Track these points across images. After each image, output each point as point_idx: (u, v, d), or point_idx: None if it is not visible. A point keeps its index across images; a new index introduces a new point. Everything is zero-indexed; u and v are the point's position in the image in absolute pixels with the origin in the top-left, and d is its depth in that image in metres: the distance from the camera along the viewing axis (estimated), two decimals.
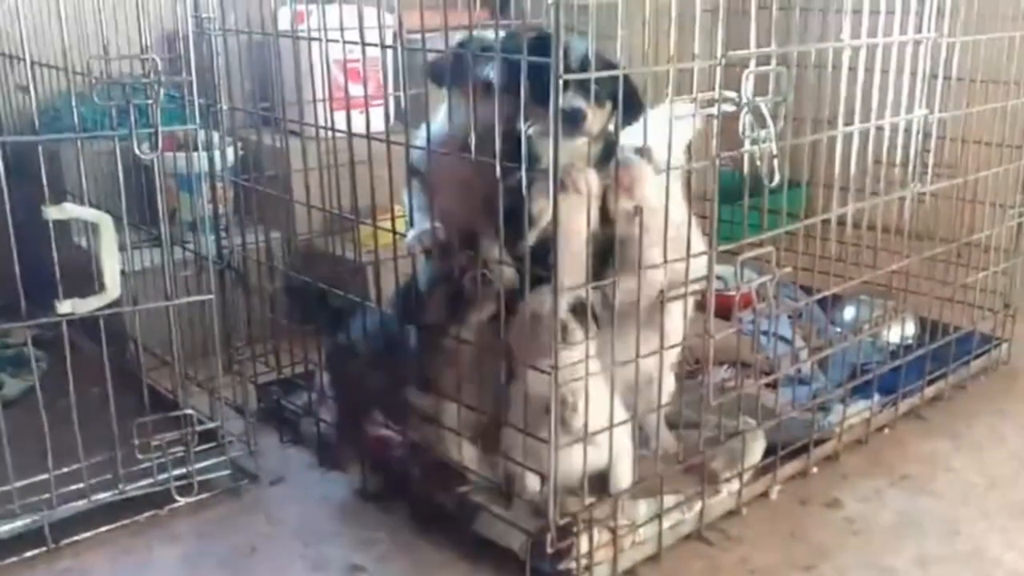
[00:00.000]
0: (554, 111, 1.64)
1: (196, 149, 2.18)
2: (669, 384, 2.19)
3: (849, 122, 2.21)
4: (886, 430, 2.57)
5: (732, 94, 1.87)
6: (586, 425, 1.88)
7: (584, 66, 1.72)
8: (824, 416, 2.44)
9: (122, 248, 2.06)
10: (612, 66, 1.76)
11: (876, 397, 2.53)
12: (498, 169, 1.80)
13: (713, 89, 1.87)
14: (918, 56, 2.32)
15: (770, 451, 2.27)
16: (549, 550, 1.89)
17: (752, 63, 1.87)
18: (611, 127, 1.89)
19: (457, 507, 2.10)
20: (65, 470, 2.06)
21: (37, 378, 2.08)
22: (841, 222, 2.30)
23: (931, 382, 2.68)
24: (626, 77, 1.75)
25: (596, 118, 1.84)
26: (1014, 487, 2.34)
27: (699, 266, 1.95)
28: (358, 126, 2.15)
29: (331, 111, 2.21)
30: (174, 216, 2.68)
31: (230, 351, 2.35)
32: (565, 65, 1.63)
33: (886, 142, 2.32)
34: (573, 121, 1.76)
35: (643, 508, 2.05)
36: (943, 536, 2.14)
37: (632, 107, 1.80)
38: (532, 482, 2.00)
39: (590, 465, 1.92)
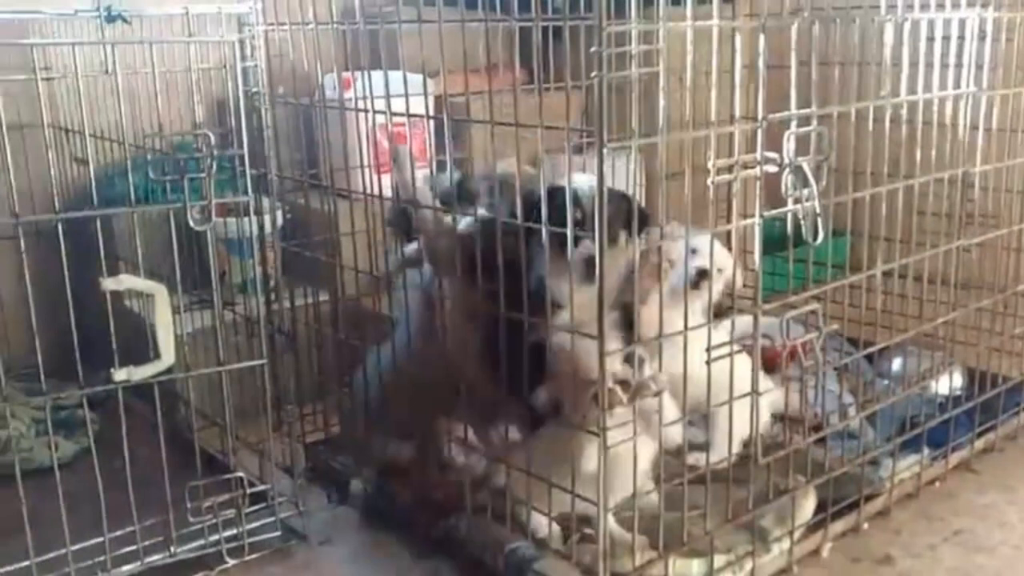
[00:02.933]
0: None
1: (247, 215, 2.23)
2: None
3: (892, 174, 2.21)
4: (937, 483, 2.53)
5: (774, 155, 1.88)
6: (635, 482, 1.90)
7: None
8: (874, 471, 2.41)
9: (175, 311, 2.09)
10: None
11: (926, 451, 2.49)
12: None
13: (754, 150, 1.88)
14: (958, 110, 2.32)
15: (820, 507, 2.24)
16: None
17: (793, 124, 1.89)
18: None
19: (505, 566, 2.10)
20: (119, 533, 2.09)
21: (92, 440, 2.12)
22: (887, 274, 2.29)
23: (981, 434, 2.65)
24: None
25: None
26: None
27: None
28: None
29: (378, 175, 2.25)
30: (224, 278, 2.73)
31: (279, 412, 2.38)
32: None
33: (930, 195, 2.32)
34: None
35: (695, 567, 2.04)
36: None
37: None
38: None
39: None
